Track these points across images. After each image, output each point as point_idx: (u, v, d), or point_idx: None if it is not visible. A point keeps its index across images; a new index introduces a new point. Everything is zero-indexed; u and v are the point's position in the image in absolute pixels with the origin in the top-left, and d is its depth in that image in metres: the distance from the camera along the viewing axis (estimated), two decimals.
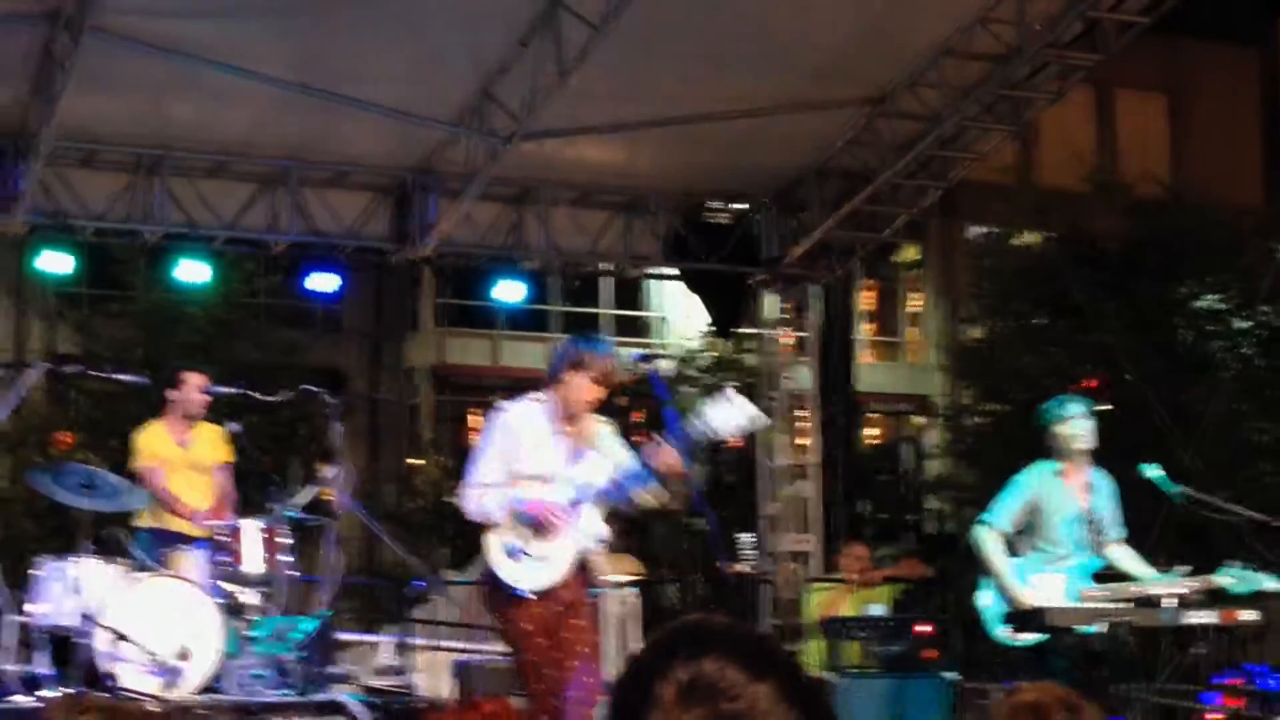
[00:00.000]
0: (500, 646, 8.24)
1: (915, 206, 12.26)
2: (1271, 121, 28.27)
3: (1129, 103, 27.30)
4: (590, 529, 5.78)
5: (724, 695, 1.46)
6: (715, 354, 22.28)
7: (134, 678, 6.47)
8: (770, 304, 13.08)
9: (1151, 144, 26.34)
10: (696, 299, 13.55)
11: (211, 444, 7.91)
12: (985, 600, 6.91)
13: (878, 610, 9.70)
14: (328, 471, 7.74)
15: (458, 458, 22.70)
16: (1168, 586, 6.62)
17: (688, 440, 5.57)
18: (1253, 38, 28.09)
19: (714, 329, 14.46)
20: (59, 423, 20.01)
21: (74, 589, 6.65)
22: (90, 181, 11.13)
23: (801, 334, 13.15)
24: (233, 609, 6.97)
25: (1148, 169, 20.57)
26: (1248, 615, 6.80)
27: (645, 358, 5.99)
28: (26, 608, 7.03)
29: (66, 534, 9.22)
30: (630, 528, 21.59)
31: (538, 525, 5.65)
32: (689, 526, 20.02)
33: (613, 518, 5.94)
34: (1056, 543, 6.92)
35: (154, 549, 7.32)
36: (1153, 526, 8.92)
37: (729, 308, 13.10)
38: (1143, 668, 6.88)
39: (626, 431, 5.87)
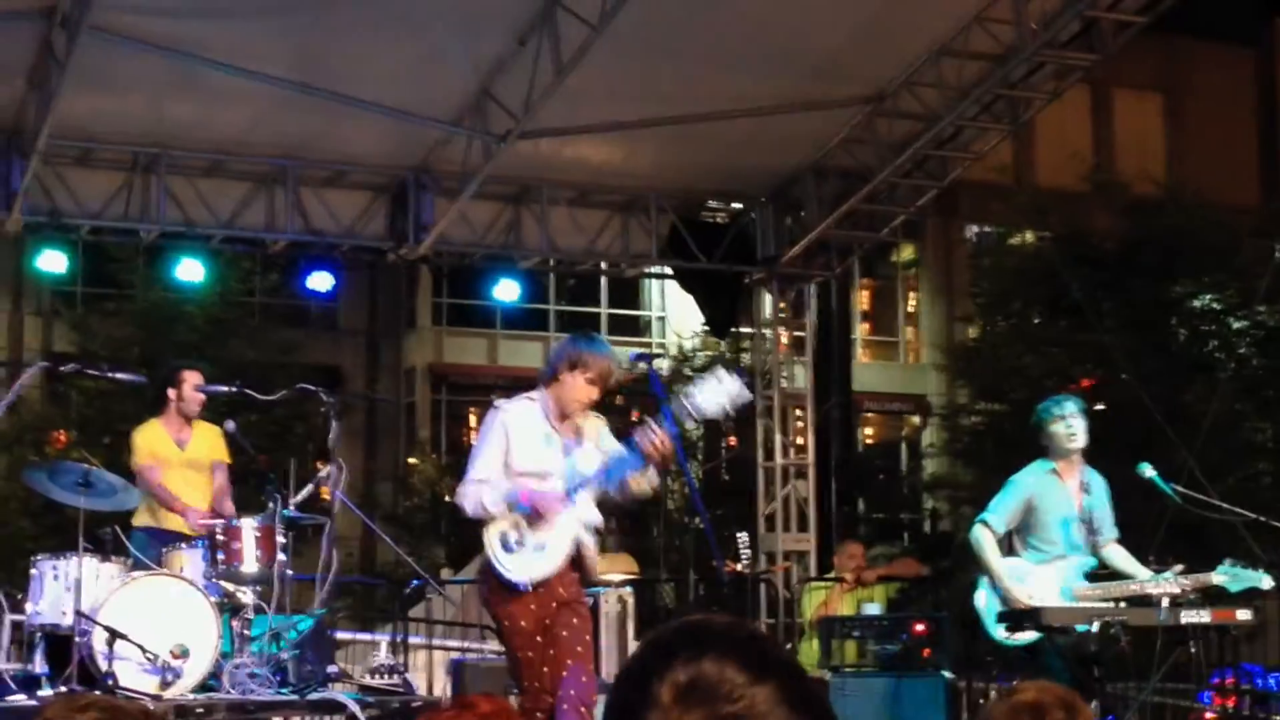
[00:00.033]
0: (496, 645, 8.25)
1: (912, 206, 12.27)
2: (1268, 121, 28.30)
3: (1126, 102, 27.33)
4: (584, 516, 5.78)
5: (723, 697, 1.45)
6: (711, 353, 22.28)
7: (131, 676, 6.47)
8: (767, 303, 13.09)
9: (1148, 143, 26.37)
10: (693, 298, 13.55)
11: (209, 443, 7.91)
12: (982, 599, 6.92)
13: (874, 609, 9.71)
14: (324, 470, 7.74)
15: (455, 457, 22.73)
16: (1162, 585, 6.63)
17: (676, 422, 5.57)
18: (1249, 38, 28.13)
19: (709, 328, 14.45)
20: (55, 421, 20.01)
21: (70, 588, 6.65)
22: (87, 180, 11.13)
23: (799, 333, 13.15)
24: (229, 608, 6.97)
25: (1145, 168, 20.61)
26: (1243, 615, 6.81)
27: (642, 357, 5.99)
28: (24, 607, 7.04)
29: (63, 532, 9.23)
30: (628, 527, 21.64)
31: (533, 515, 5.67)
32: (686, 525, 20.04)
33: (606, 509, 5.95)
34: (1052, 542, 6.93)
35: (151, 548, 7.32)
36: (1152, 526, 8.93)
37: (726, 307, 13.09)
38: (1138, 667, 6.88)
39: (622, 430, 5.86)
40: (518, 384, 7.28)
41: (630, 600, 9.07)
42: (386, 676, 7.59)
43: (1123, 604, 6.69)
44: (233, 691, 6.62)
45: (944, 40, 10.31)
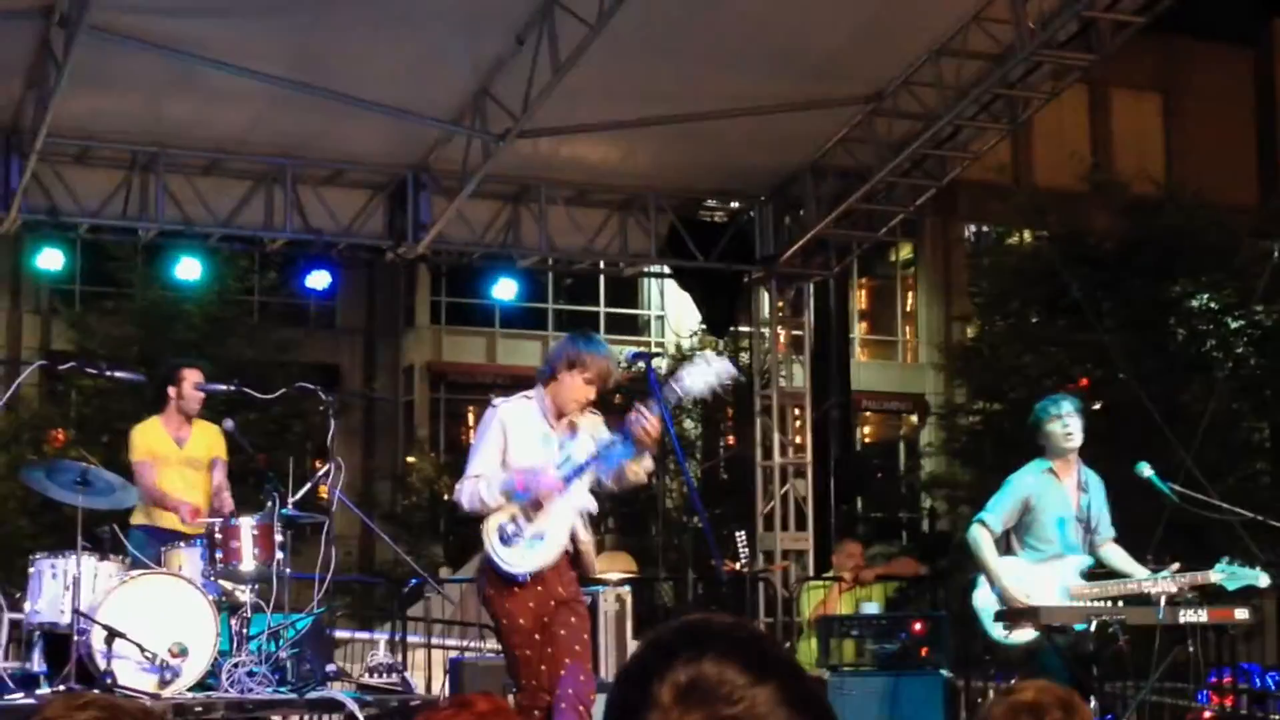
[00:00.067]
0: (494, 644, 8.25)
1: (911, 205, 12.27)
2: (1266, 121, 28.32)
3: (1124, 102, 27.34)
4: (579, 503, 5.79)
5: (724, 699, 1.45)
6: (709, 351, 22.28)
7: (129, 675, 6.47)
8: (765, 302, 13.09)
9: (1146, 143, 26.39)
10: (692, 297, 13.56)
11: (208, 441, 7.90)
12: (980, 598, 6.93)
13: (872, 608, 9.72)
14: (323, 469, 7.74)
15: (453, 455, 22.75)
16: (1160, 584, 6.64)
17: (670, 413, 5.58)
18: (1247, 37, 28.14)
19: (707, 327, 14.47)
20: (54, 420, 20.01)
21: (69, 586, 6.65)
22: (85, 178, 11.12)
23: (797, 332, 13.16)
24: (228, 606, 6.97)
25: (1143, 168, 20.63)
26: (1241, 614, 6.82)
27: (640, 356, 6.00)
28: (22, 605, 7.04)
29: (61, 531, 9.23)
30: (626, 526, 21.63)
31: (531, 504, 5.67)
32: (684, 524, 20.05)
33: (603, 500, 5.96)
34: (1048, 541, 6.94)
35: (149, 546, 7.32)
36: (1151, 525, 8.94)
37: (725, 306, 13.09)
38: (1136, 666, 6.89)
39: (615, 422, 5.87)
40: (516, 383, 7.29)
41: (629, 599, 9.07)
42: (385, 675, 7.59)
43: (1120, 603, 6.70)
44: (231, 690, 6.62)
45: (942, 40, 10.31)
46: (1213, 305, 19.27)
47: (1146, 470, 6.90)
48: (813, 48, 10.14)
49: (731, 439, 24.02)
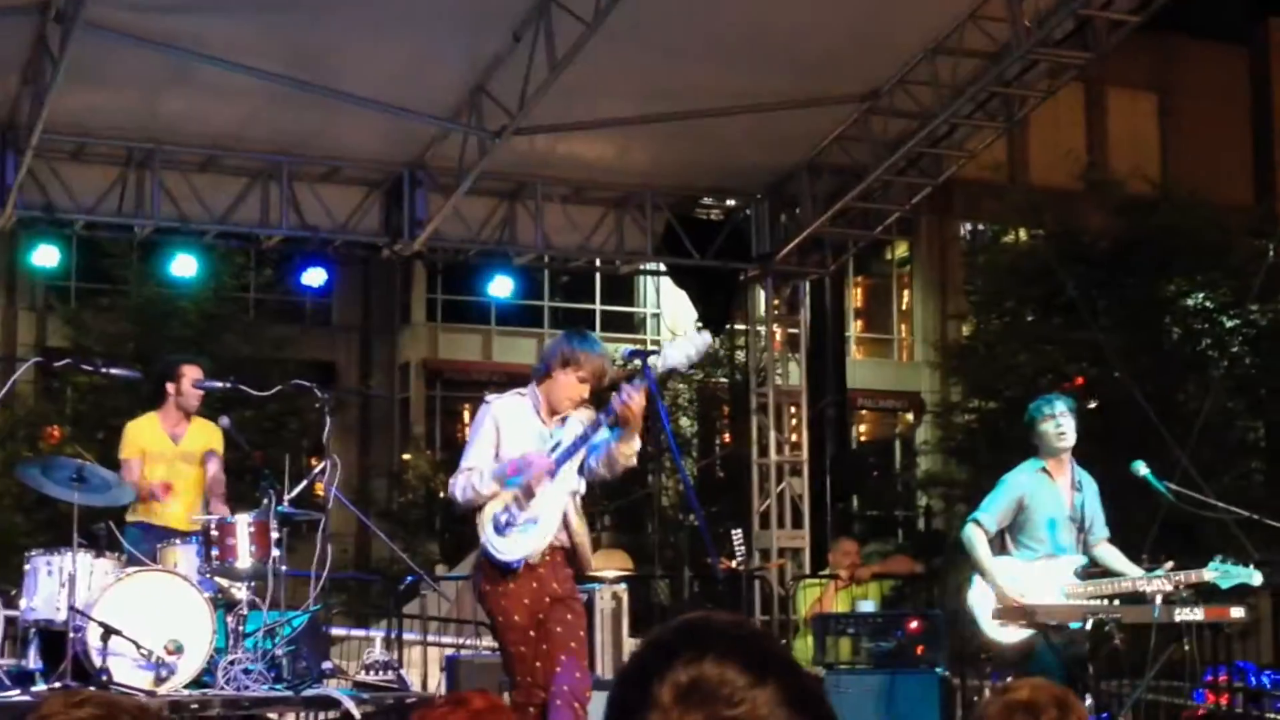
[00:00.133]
0: (490, 641, 8.25)
1: (907, 203, 12.28)
2: (1261, 120, 28.34)
3: (1120, 101, 27.36)
4: (569, 485, 5.79)
5: (724, 700, 1.45)
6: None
7: (125, 672, 6.47)
8: (761, 300, 13.10)
9: (1142, 142, 26.40)
10: (687, 295, 13.56)
11: (204, 437, 7.89)
12: (975, 597, 6.93)
13: (868, 606, 9.72)
14: (319, 466, 7.73)
15: (449, 453, 22.74)
16: (1154, 583, 6.65)
17: (651, 381, 5.59)
18: (1242, 37, 28.17)
19: (701, 325, 14.49)
20: (49, 417, 19.99)
21: (64, 583, 6.64)
22: (81, 175, 11.11)
23: (793, 330, 13.17)
24: (224, 603, 6.96)
25: (1138, 167, 20.63)
26: (1237, 612, 6.83)
27: (637, 354, 6.00)
28: (18, 602, 7.03)
29: (56, 528, 9.23)
30: (622, 523, 21.61)
31: (524, 489, 5.68)
32: (680, 522, 20.04)
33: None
34: (1041, 540, 6.94)
35: (144, 542, 7.31)
36: (1146, 524, 8.95)
37: (721, 304, 13.10)
38: (1131, 664, 6.90)
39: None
40: (512, 380, 7.28)
41: (625, 597, 9.07)
42: (381, 672, 7.59)
43: (1116, 601, 6.70)
44: (227, 688, 6.62)
45: (938, 38, 10.32)
46: (1208, 304, 19.28)
47: (1142, 469, 6.91)
48: (809, 46, 10.15)
49: (727, 437, 24.03)
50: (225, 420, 7.92)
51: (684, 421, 23.46)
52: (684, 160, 11.84)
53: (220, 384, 8.12)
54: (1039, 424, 7.00)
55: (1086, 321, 16.03)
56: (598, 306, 26.83)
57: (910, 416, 27.45)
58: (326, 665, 7.55)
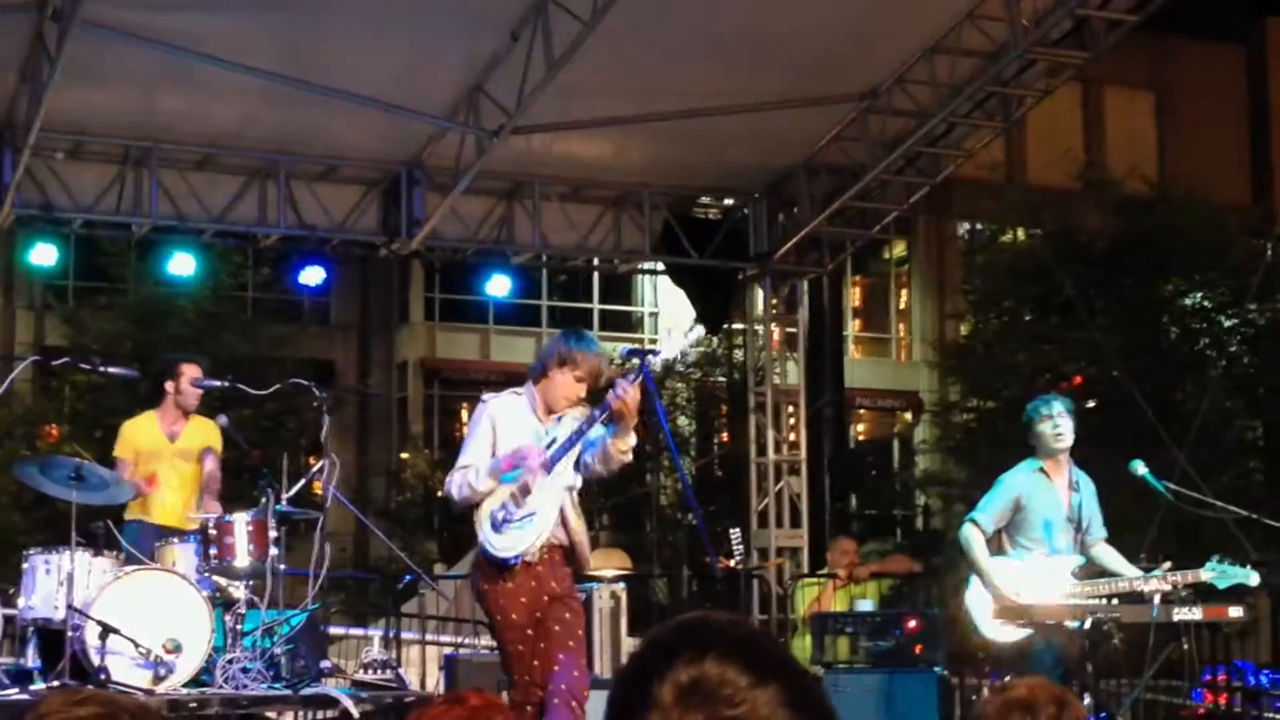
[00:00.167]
0: (489, 640, 8.25)
1: (904, 203, 12.29)
2: (1258, 120, 28.35)
3: (1117, 100, 27.36)
4: (565, 480, 5.79)
5: (724, 700, 1.44)
6: (703, 349, 22.29)
7: (123, 671, 6.46)
8: (759, 299, 13.10)
9: (1139, 142, 26.40)
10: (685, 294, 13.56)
11: (202, 435, 7.89)
12: (973, 596, 6.94)
13: (867, 606, 9.72)
14: (317, 465, 7.72)
15: (447, 452, 22.72)
16: (1151, 583, 6.65)
17: (649, 380, 5.60)
18: (1240, 36, 28.18)
19: (701, 324, 14.49)
20: (47, 415, 19.98)
21: (63, 582, 6.64)
22: (79, 173, 11.11)
23: (791, 329, 13.17)
24: (222, 602, 6.96)
25: (1136, 166, 20.62)
26: (1235, 612, 6.83)
27: (636, 352, 6.00)
28: (16, 601, 7.02)
29: (55, 527, 9.22)
30: (621, 522, 21.61)
31: (521, 486, 5.68)
32: (679, 521, 20.04)
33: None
34: (1039, 541, 6.95)
35: (142, 541, 7.31)
36: (1144, 523, 8.95)
37: (719, 303, 13.10)
38: (1130, 664, 6.90)
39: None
40: (510, 379, 7.28)
41: (623, 596, 9.07)
42: (379, 671, 7.59)
43: (1115, 601, 6.71)
44: (225, 686, 6.61)
45: (936, 38, 10.33)
46: (1206, 304, 19.29)
47: (1141, 468, 6.92)
48: (807, 45, 10.15)
49: (726, 436, 24.03)
50: (223, 419, 7.91)
51: (682, 420, 23.46)
52: (682, 159, 11.84)
53: (218, 383, 8.11)
54: (1036, 424, 7.00)
55: (1084, 321, 16.04)
56: (595, 306, 26.82)
57: (908, 416, 27.45)
58: (325, 664, 7.54)
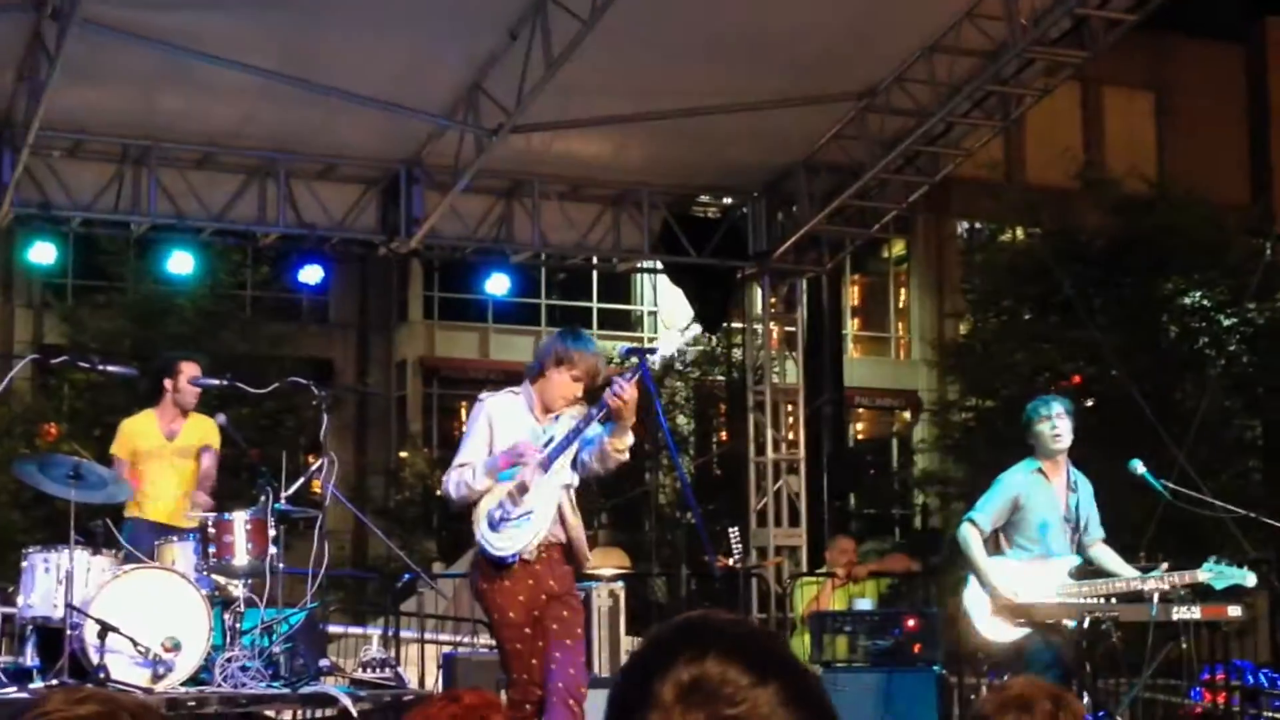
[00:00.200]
0: (488, 639, 8.25)
1: (903, 202, 12.29)
2: (1257, 119, 28.36)
3: (1116, 100, 27.36)
4: (562, 479, 5.79)
5: (725, 699, 1.44)
6: (702, 348, 22.29)
7: (122, 670, 6.46)
8: (758, 298, 13.10)
9: (1138, 141, 26.40)
10: (684, 293, 13.57)
11: (200, 434, 7.88)
12: (971, 596, 6.94)
13: (865, 604, 9.73)
14: (316, 464, 7.72)
15: (446, 451, 22.71)
16: (1149, 583, 6.65)
17: (648, 379, 5.59)
18: (1239, 35, 28.18)
19: (699, 323, 14.50)
20: (46, 414, 19.98)
21: (61, 580, 6.64)
22: (78, 172, 11.11)
23: (789, 328, 13.18)
24: (221, 601, 6.96)
25: (1135, 166, 20.63)
26: (1234, 611, 6.83)
27: (635, 351, 6.00)
28: (15, 599, 7.03)
29: (54, 525, 9.22)
30: (619, 521, 21.61)
31: (518, 485, 5.68)
32: (677, 520, 20.05)
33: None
34: (1037, 541, 6.95)
35: (142, 540, 7.31)
36: (1142, 523, 8.96)
37: (717, 302, 13.11)
38: (1129, 662, 6.90)
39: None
40: (509, 378, 7.28)
41: (622, 595, 9.07)
42: (378, 670, 7.58)
43: (1114, 600, 6.71)
44: (224, 685, 6.61)
45: (935, 37, 10.33)
46: (1205, 303, 19.30)
47: (1140, 468, 6.92)
48: (806, 44, 10.15)
49: (724, 435, 24.02)
50: (222, 417, 7.91)
51: (681, 419, 23.46)
52: (681, 158, 11.84)
53: (217, 381, 8.11)
54: (1035, 425, 7.01)
55: (1083, 320, 16.04)
56: (594, 304, 26.81)
57: (907, 415, 27.45)
58: (324, 663, 7.54)
